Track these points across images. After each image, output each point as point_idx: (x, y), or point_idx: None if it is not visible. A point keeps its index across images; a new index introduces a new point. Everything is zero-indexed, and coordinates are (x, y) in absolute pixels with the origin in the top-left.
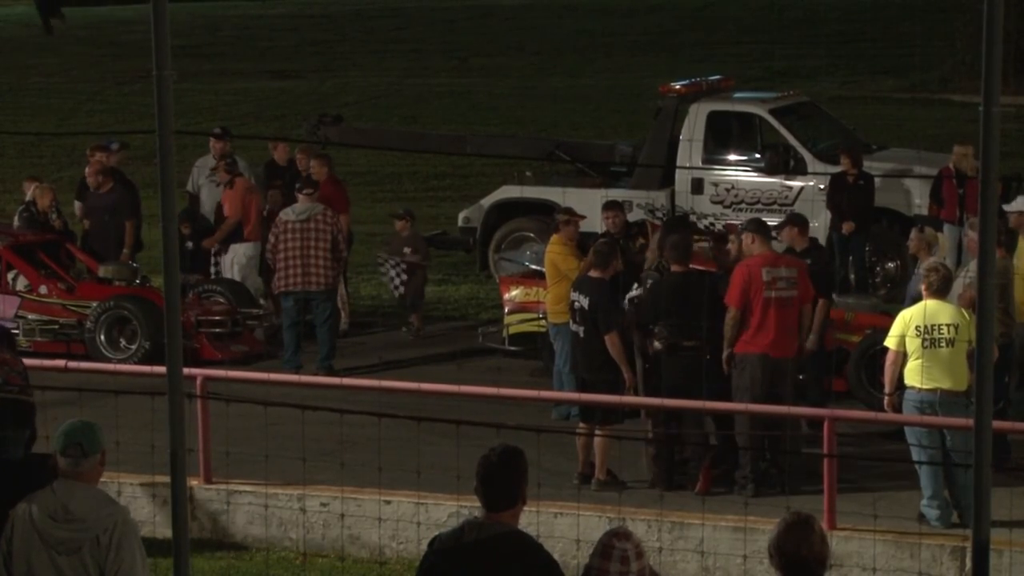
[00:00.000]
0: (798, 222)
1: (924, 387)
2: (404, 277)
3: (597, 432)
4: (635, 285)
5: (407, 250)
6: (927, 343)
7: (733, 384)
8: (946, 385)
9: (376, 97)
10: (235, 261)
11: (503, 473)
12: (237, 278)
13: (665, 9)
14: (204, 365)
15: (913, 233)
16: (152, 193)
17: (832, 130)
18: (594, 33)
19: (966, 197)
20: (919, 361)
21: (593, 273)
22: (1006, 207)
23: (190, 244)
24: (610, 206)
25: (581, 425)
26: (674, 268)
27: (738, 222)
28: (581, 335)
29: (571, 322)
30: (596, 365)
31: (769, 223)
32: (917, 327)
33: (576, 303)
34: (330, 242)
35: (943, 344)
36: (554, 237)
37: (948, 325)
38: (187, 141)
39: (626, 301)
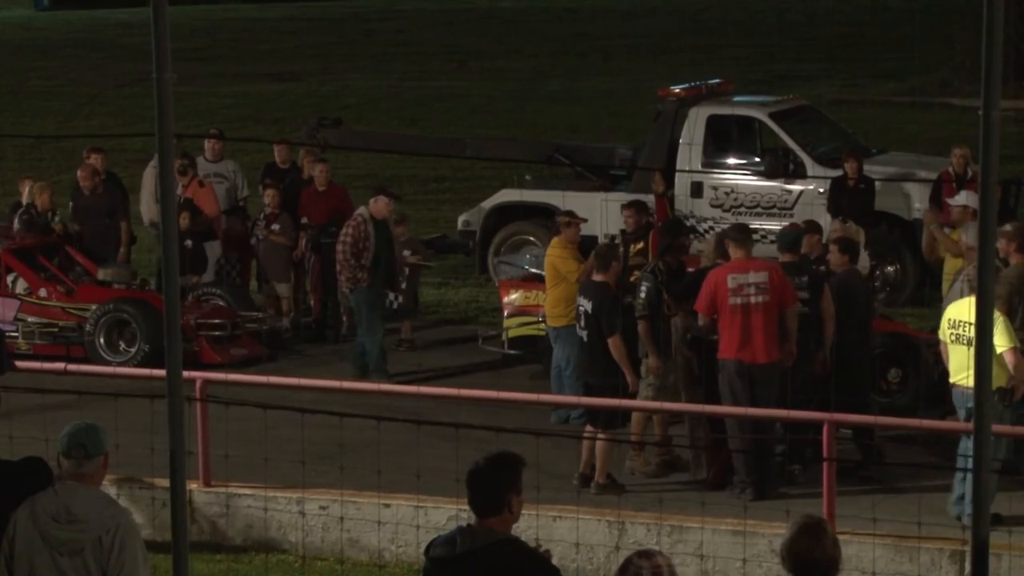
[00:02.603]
0: (817, 230)
1: (955, 381)
2: (403, 284)
3: (600, 436)
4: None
5: (406, 253)
6: (953, 338)
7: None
8: (968, 383)
9: (375, 100)
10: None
11: (490, 479)
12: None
13: (664, 12)
14: (203, 368)
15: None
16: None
17: (832, 134)
18: (593, 36)
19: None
20: (951, 355)
21: (596, 277)
22: (951, 201)
23: (189, 242)
24: (634, 205)
25: (588, 428)
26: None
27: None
28: (585, 339)
29: (577, 326)
30: (600, 369)
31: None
32: (949, 320)
33: (581, 307)
34: (339, 244)
35: (965, 342)
36: (555, 240)
37: (971, 323)
38: (186, 144)
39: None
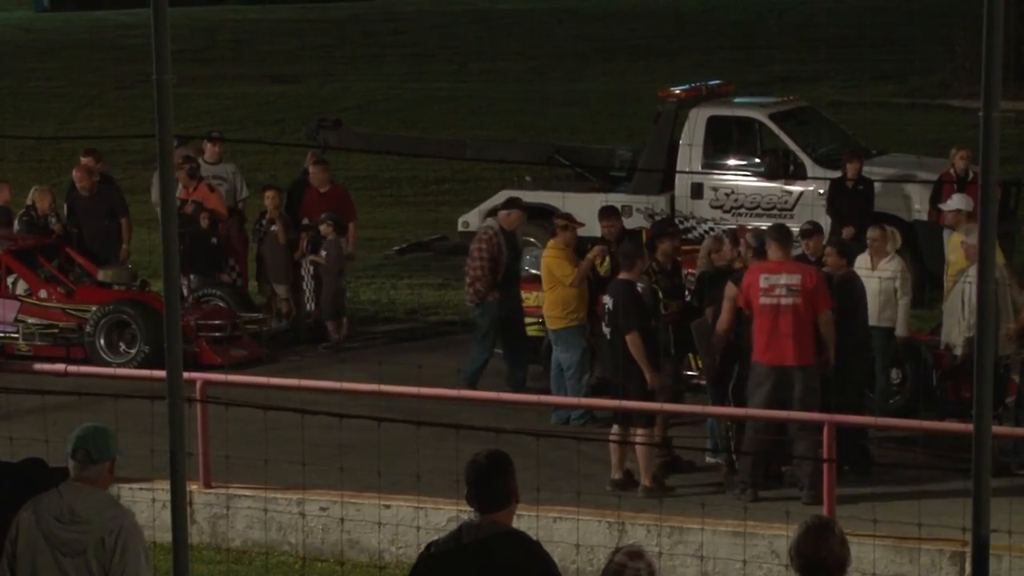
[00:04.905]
0: (819, 231)
1: None
2: (312, 283)
3: (607, 437)
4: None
5: (323, 252)
6: None
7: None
8: None
9: (375, 101)
10: None
11: (493, 474)
12: None
13: (665, 14)
14: (203, 369)
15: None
16: (146, 198)
17: (832, 135)
18: (593, 38)
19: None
20: None
21: (621, 275)
22: (943, 206)
23: (215, 240)
24: (607, 213)
25: (639, 431)
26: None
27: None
28: (608, 336)
29: (603, 325)
30: (619, 367)
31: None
32: None
33: (605, 304)
34: (476, 258)
35: None
36: (551, 242)
37: None
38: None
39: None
